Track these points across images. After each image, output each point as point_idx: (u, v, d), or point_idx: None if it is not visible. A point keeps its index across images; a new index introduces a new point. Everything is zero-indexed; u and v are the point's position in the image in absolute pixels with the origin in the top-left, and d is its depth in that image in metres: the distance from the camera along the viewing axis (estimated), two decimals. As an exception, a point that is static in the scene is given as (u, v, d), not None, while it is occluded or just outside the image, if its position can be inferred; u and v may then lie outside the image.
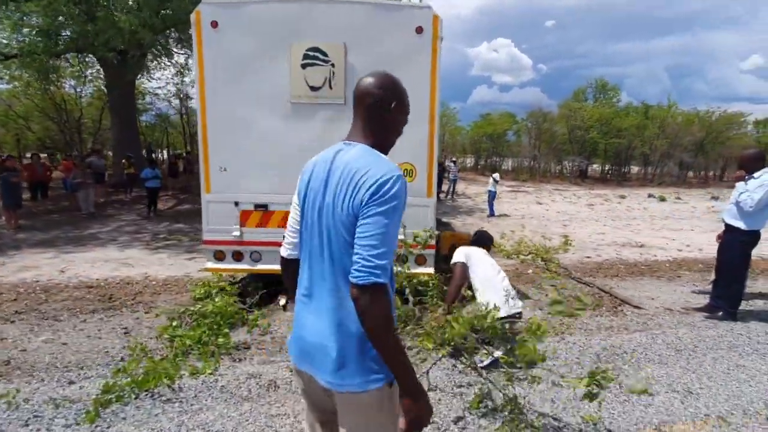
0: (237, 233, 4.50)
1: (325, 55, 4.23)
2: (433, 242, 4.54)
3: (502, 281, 3.74)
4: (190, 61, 16.91)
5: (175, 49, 13.82)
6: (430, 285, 4.31)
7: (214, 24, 4.20)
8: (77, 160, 13.17)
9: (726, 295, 4.67)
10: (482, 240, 4.39)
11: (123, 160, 13.93)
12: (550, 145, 34.35)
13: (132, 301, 4.95)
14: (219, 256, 4.61)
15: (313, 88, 4.30)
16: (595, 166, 37.45)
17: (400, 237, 4.40)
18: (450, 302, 3.59)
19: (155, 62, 15.00)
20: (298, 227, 1.51)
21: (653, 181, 32.61)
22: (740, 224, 4.48)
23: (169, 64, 14.99)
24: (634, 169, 37.54)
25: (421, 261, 4.58)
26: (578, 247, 8.76)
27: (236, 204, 4.49)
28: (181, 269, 6.79)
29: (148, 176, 11.37)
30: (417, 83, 4.28)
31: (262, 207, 4.50)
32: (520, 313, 3.61)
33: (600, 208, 17.41)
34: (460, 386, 2.99)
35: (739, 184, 4.59)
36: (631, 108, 34.72)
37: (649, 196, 22.38)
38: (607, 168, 37.13)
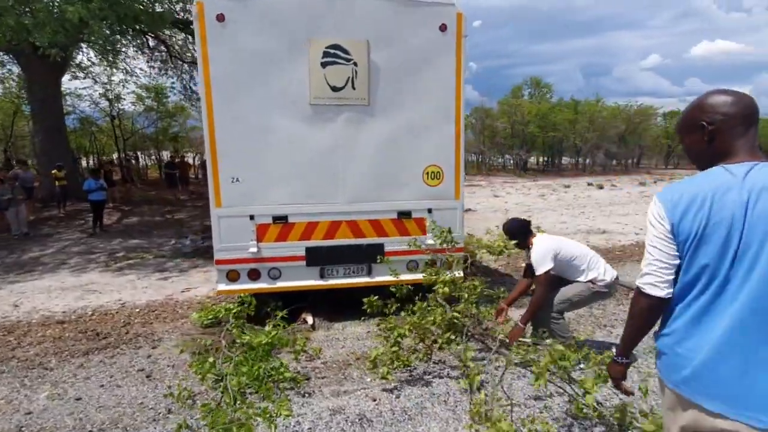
0: (254, 249, 4.07)
1: (346, 53, 3.94)
2: (461, 245, 4.45)
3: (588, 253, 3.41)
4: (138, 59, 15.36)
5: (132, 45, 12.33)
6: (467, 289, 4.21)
7: (221, 17, 3.74)
8: (1, 174, 11.34)
9: None
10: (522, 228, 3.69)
11: (53, 171, 12.25)
12: (492, 139, 35.96)
13: (126, 335, 4.30)
14: (232, 277, 4.15)
15: (334, 89, 3.99)
16: (531, 159, 39.87)
17: (429, 242, 4.26)
18: (528, 318, 3.30)
19: (96, 59, 13.29)
20: (676, 262, 1.31)
21: (585, 170, 35.42)
22: None
23: (102, 63, 13.36)
24: (566, 160, 40.55)
25: (448, 266, 4.46)
26: (555, 238, 9.17)
27: (252, 218, 4.06)
28: (159, 292, 6.08)
29: (91, 188, 10.07)
30: (442, 83, 4.16)
31: (281, 219, 4.11)
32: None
33: (551, 198, 18.48)
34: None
35: None
36: (563, 104, 37.41)
37: (589, 184, 24.21)
38: (542, 160, 39.76)
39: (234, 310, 3.98)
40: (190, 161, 23.06)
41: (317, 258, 4.21)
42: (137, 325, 4.66)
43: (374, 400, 2.77)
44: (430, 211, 4.32)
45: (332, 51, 3.93)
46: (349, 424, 2.49)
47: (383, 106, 4.09)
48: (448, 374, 3.22)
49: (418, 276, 4.34)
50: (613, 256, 7.62)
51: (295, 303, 4.47)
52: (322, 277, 4.29)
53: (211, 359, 2.98)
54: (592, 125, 34.60)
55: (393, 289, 4.28)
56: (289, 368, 3.05)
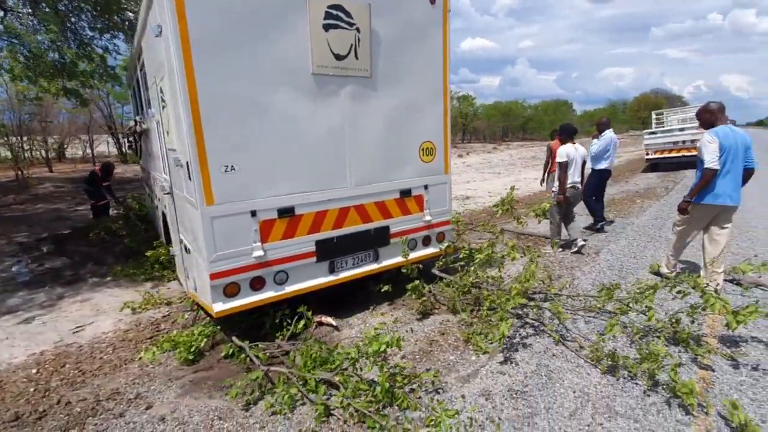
0: (260, 253, 3.32)
1: (349, 16, 3.49)
2: (449, 218, 4.62)
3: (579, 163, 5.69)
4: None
5: None
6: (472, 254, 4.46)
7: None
8: None
9: (595, 213, 6.81)
10: (569, 133, 5.78)
11: None
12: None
13: (67, 406, 2.94)
14: (231, 291, 3.30)
15: (338, 57, 3.50)
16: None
17: (428, 218, 4.33)
18: (563, 190, 5.57)
19: None
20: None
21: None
22: (593, 166, 6.68)
23: None
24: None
25: (440, 238, 4.59)
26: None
27: (253, 214, 3.28)
28: (35, 340, 4.31)
29: None
30: (431, 57, 4.14)
31: (287, 213, 3.45)
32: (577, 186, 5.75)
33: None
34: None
35: (594, 141, 6.67)
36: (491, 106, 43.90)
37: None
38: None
39: (206, 330, 3.19)
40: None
41: (327, 251, 3.72)
42: (64, 388, 3.24)
43: (502, 374, 2.75)
44: (426, 187, 4.31)
45: (334, 12, 3.41)
46: (508, 400, 2.42)
47: (384, 79, 3.81)
48: (529, 333, 3.39)
49: (422, 253, 4.36)
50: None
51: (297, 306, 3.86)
52: (332, 272, 3.82)
53: (318, 399, 2.37)
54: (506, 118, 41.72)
55: (404, 270, 4.20)
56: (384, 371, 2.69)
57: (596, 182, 6.73)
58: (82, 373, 3.51)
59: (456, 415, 2.29)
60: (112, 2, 10.21)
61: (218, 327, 3.73)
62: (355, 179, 3.79)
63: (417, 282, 3.73)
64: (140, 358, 3.64)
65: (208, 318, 4.00)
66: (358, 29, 3.55)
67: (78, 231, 8.52)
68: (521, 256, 3.63)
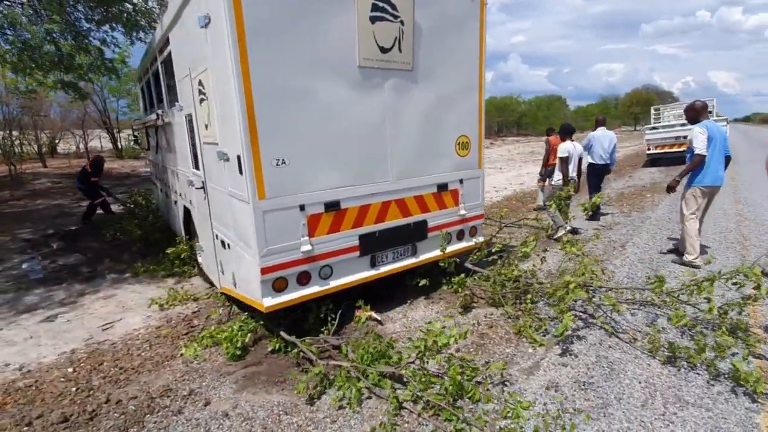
0: (308, 247, 3.29)
1: (394, 8, 3.45)
2: (482, 212, 4.63)
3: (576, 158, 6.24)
4: None
5: None
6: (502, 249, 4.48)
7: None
8: None
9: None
10: (568, 131, 6.33)
11: None
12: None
13: (117, 405, 2.89)
14: (279, 286, 3.28)
15: (383, 50, 3.47)
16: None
17: (462, 212, 4.34)
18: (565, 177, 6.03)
19: None
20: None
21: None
22: (590, 160, 7.19)
23: None
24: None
25: (473, 232, 4.60)
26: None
27: (302, 208, 3.25)
28: (62, 338, 4.24)
29: None
30: (468, 50, 4.13)
31: (333, 206, 3.43)
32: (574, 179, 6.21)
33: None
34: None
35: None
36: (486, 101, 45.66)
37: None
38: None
39: (249, 326, 3.18)
40: None
41: (370, 246, 3.71)
42: (108, 386, 3.19)
43: (564, 366, 2.77)
44: (461, 181, 4.31)
45: (381, 4, 3.38)
46: (577, 391, 2.45)
47: (424, 73, 3.79)
48: (579, 326, 3.43)
49: (457, 246, 4.37)
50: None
51: (340, 301, 3.85)
52: (373, 266, 3.81)
53: (390, 394, 2.35)
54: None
55: (442, 264, 4.21)
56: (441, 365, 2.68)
57: (589, 176, 7.32)
58: (123, 370, 3.46)
59: (530, 407, 2.31)
60: (111, -8, 9.94)
61: (260, 322, 3.70)
62: (396, 173, 3.77)
63: (462, 275, 3.74)
64: (182, 355, 3.59)
65: (246, 313, 3.96)
66: (402, 22, 3.52)
67: (87, 227, 8.37)
68: (569, 250, 3.64)
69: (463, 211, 4.34)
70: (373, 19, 3.35)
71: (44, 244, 7.57)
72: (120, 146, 23.89)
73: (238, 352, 3.35)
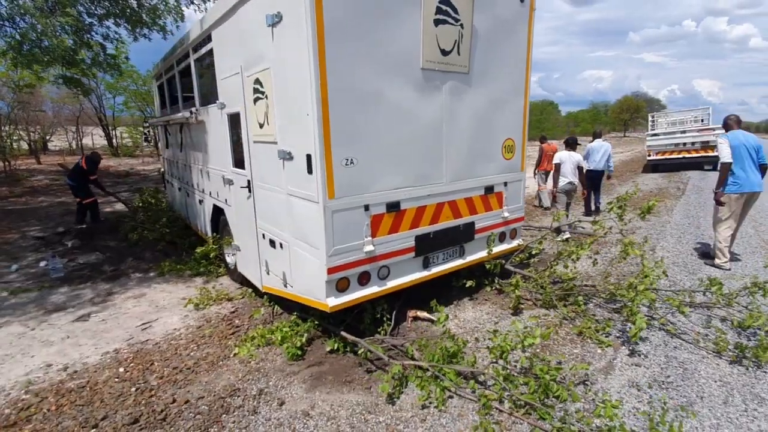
0: (370, 248, 3.30)
1: (455, 11, 3.49)
2: (522, 214, 4.69)
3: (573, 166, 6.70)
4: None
5: None
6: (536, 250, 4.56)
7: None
8: None
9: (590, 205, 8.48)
10: (572, 143, 6.94)
11: None
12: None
13: (185, 404, 2.86)
14: (342, 286, 3.27)
15: (443, 52, 3.51)
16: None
17: (505, 215, 4.39)
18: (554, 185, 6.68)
19: None
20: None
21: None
22: (588, 167, 8.06)
23: None
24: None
25: (513, 234, 4.66)
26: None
27: (366, 208, 3.26)
28: (101, 338, 4.16)
29: None
30: (517, 53, 4.19)
31: (394, 207, 3.44)
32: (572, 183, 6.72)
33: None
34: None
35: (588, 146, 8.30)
36: None
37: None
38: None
39: (306, 326, 3.19)
40: None
41: (424, 247, 3.73)
42: (169, 387, 3.15)
43: (637, 366, 2.82)
44: (506, 184, 4.36)
45: (444, 8, 3.41)
46: (658, 390, 2.50)
47: (478, 76, 3.84)
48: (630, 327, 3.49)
49: (500, 248, 4.42)
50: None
51: (393, 301, 3.86)
52: (425, 267, 3.83)
53: (480, 393, 2.36)
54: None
55: (488, 266, 4.25)
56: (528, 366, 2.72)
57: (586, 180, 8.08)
58: (179, 370, 3.42)
59: (620, 405, 2.35)
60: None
61: (315, 322, 3.68)
62: (449, 175, 3.80)
63: (519, 277, 3.78)
64: (235, 354, 3.56)
65: (295, 314, 3.94)
66: (462, 25, 3.56)
67: (100, 225, 8.21)
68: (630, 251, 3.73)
69: (506, 214, 4.39)
70: (436, 22, 3.39)
71: (58, 242, 7.41)
72: (115, 144, 23.44)
73: (299, 352, 3.34)
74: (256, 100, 3.66)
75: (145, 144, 14.66)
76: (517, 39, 4.11)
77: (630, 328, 3.17)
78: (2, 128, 17.48)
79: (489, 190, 4.20)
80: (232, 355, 3.56)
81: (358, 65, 3.02)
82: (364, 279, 3.40)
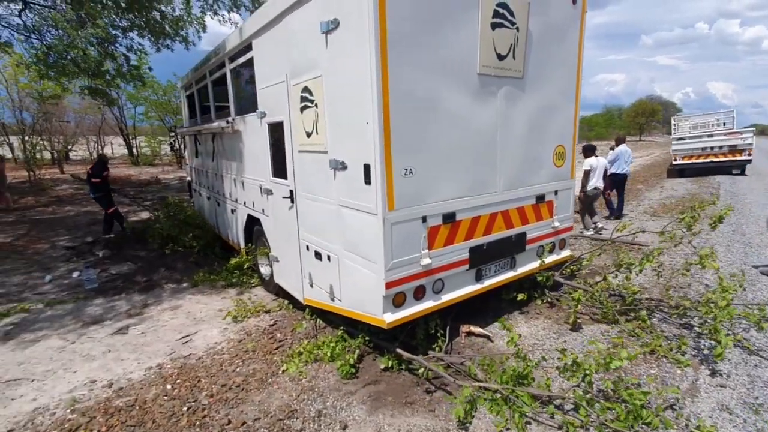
0: (428, 261, 3.16)
1: (512, 15, 3.37)
2: (571, 224, 4.51)
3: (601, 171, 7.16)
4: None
5: None
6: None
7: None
8: None
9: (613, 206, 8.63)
10: (591, 149, 7.24)
11: None
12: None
13: (266, 420, 2.73)
14: (398, 301, 3.13)
15: (500, 57, 3.38)
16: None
17: (556, 224, 4.22)
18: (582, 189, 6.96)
19: None
20: None
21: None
22: (614, 170, 8.26)
23: None
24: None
25: (562, 244, 4.47)
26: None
27: (424, 219, 3.13)
28: (143, 351, 4.07)
29: None
30: (568, 58, 4.05)
31: (450, 218, 3.30)
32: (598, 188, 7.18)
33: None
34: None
35: (611, 152, 8.47)
36: None
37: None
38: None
39: (357, 342, 3.04)
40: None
41: (478, 259, 3.58)
42: (221, 406, 3.03)
43: (722, 387, 2.63)
44: (556, 192, 4.19)
45: (501, 11, 3.29)
46: (750, 414, 2.30)
47: (531, 80, 3.70)
48: (706, 345, 3.31)
49: (550, 259, 4.24)
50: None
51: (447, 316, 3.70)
52: (478, 279, 3.67)
53: (565, 419, 2.21)
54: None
55: (540, 278, 4.08)
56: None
57: (611, 183, 8.28)
58: (228, 388, 3.30)
59: (719, 433, 2.18)
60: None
61: (366, 338, 3.54)
62: (503, 184, 3.66)
63: (580, 291, 3.60)
64: (283, 371, 3.44)
65: (342, 328, 3.80)
66: (517, 29, 3.43)
67: (128, 235, 8.20)
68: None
69: (556, 223, 4.22)
70: (493, 26, 3.26)
71: (88, 251, 7.42)
72: (136, 153, 23.78)
73: (353, 370, 3.20)
74: (303, 108, 3.57)
75: (171, 152, 14.75)
76: (568, 42, 3.96)
77: (705, 345, 2.97)
78: (27, 139, 17.86)
79: (540, 198, 4.04)
80: (280, 372, 3.44)
81: (416, 72, 2.91)
82: (419, 293, 3.26)
